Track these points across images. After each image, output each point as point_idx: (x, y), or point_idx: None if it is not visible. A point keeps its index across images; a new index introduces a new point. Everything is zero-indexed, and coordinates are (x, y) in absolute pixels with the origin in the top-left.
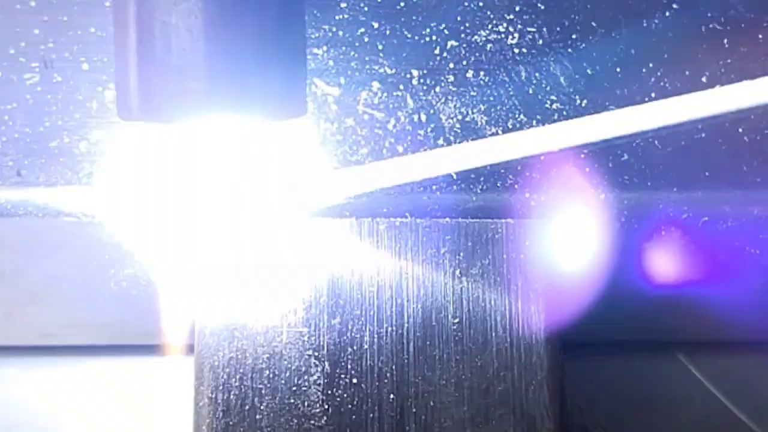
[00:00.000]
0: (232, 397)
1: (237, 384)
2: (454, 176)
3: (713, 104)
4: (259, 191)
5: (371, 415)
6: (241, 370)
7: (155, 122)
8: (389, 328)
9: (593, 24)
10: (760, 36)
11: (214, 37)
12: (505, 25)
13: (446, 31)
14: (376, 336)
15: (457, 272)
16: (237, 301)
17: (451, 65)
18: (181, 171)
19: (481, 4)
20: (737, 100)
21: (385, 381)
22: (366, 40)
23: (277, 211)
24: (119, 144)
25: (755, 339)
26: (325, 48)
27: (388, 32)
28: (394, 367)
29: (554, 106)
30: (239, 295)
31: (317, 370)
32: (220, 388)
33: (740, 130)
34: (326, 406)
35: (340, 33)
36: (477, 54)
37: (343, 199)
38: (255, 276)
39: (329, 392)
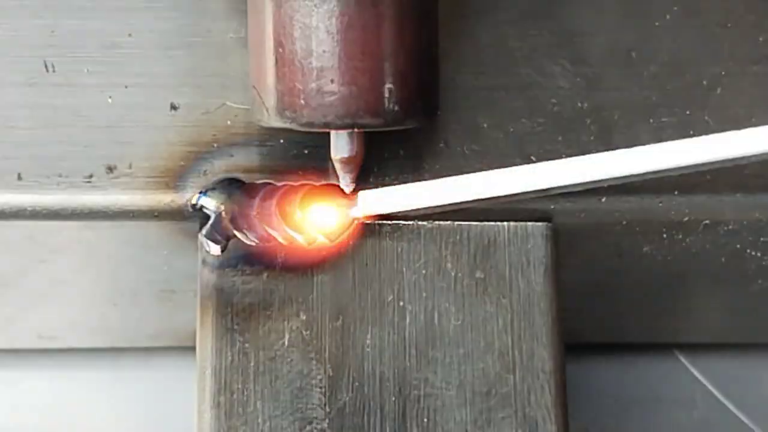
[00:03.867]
0: (234, 399)
1: (239, 386)
2: None
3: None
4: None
5: (373, 417)
6: (243, 373)
7: (292, 126)
8: (391, 331)
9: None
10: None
11: (353, 39)
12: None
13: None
14: (377, 338)
15: (459, 275)
16: (238, 301)
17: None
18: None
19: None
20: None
21: (387, 383)
22: None
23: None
24: (120, 145)
25: (755, 339)
26: None
27: None
28: (395, 369)
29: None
30: (240, 296)
31: (319, 373)
32: (222, 390)
33: None
34: (328, 409)
35: None
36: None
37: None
38: (257, 277)
39: (331, 395)
